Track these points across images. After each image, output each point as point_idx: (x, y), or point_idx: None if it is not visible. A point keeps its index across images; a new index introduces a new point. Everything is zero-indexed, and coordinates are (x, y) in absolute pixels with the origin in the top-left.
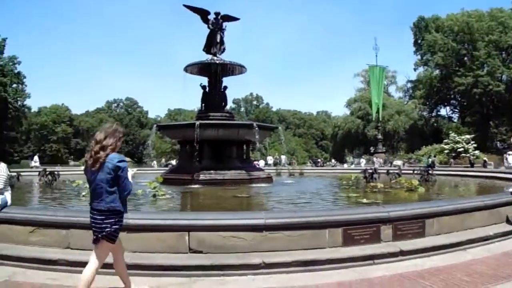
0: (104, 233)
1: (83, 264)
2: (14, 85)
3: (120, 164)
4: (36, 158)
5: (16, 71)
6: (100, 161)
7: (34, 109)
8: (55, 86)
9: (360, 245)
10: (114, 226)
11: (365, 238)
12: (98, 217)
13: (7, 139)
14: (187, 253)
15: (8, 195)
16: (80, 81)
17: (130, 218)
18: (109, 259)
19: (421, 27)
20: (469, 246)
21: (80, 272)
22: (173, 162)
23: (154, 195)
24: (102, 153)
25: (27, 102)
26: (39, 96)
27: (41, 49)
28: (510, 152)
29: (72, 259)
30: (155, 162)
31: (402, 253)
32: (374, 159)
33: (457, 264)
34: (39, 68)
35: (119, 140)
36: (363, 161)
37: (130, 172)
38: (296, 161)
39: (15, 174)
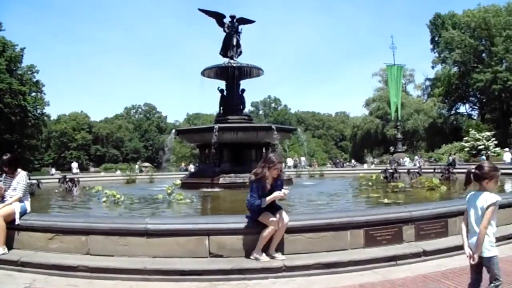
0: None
1: (103, 270)
2: (33, 94)
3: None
4: (75, 164)
5: (34, 80)
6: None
7: (54, 117)
8: (74, 94)
9: (382, 246)
10: (252, 204)
11: (387, 238)
12: None
13: (27, 147)
14: (207, 257)
15: (27, 203)
16: (99, 88)
17: (149, 223)
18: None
19: (437, 24)
20: None
21: (100, 278)
22: (191, 166)
23: (174, 199)
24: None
25: (47, 110)
26: (58, 104)
27: (59, 57)
28: (506, 149)
29: (92, 265)
30: (191, 165)
31: (425, 253)
32: (416, 157)
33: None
34: (58, 76)
35: (268, 169)
36: (406, 159)
37: (277, 193)
38: (316, 162)
39: (35, 181)
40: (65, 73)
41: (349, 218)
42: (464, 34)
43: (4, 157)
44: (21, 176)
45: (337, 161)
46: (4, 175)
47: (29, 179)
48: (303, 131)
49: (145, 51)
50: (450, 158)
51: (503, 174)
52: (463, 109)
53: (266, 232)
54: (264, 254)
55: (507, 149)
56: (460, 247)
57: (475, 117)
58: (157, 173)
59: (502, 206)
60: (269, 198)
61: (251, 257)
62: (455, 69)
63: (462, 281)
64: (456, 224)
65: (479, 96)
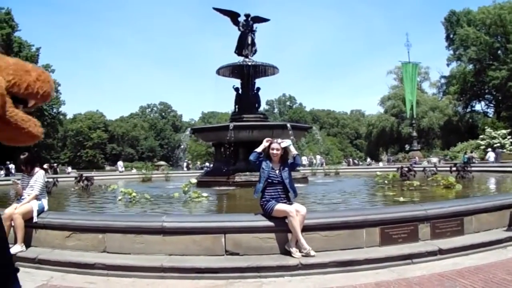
0: None
1: (120, 267)
2: None
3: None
4: (120, 163)
5: None
6: None
7: (70, 116)
8: (89, 93)
9: (398, 244)
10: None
11: (403, 237)
12: None
13: (43, 146)
14: (223, 255)
15: (45, 201)
16: (114, 88)
17: (165, 221)
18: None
19: (452, 22)
20: (509, 243)
21: (117, 275)
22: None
23: (190, 198)
24: None
25: (62, 109)
26: (74, 103)
27: (75, 57)
28: (489, 149)
29: (109, 262)
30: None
31: (441, 251)
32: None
33: (497, 262)
34: (74, 75)
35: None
36: (472, 154)
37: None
38: (326, 160)
39: (51, 180)
40: (80, 72)
41: (364, 216)
42: (480, 31)
43: (22, 156)
44: (39, 174)
45: (350, 159)
46: (22, 173)
47: (46, 178)
48: (318, 129)
49: (160, 50)
50: (466, 156)
51: (488, 171)
52: (478, 106)
53: (290, 221)
54: (294, 248)
55: (490, 149)
56: (476, 246)
57: (490, 115)
58: (172, 172)
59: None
60: (260, 147)
61: (286, 246)
62: (471, 66)
63: (478, 279)
64: (472, 222)
65: (494, 93)
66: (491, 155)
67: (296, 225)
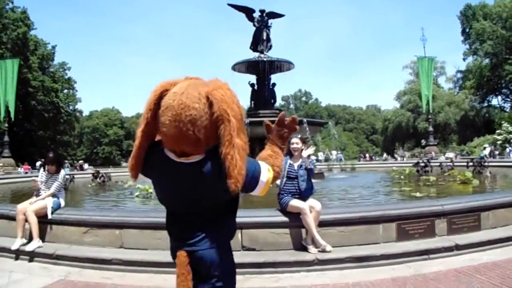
0: None
1: (137, 263)
2: (65, 91)
3: None
4: None
5: (66, 77)
6: None
7: (86, 113)
8: (105, 90)
9: (415, 240)
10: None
11: (420, 232)
12: None
13: (60, 143)
14: (240, 250)
15: (62, 200)
16: (130, 84)
17: None
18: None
19: (468, 16)
20: None
21: (134, 271)
22: None
23: None
24: None
25: (79, 106)
26: (90, 100)
27: (91, 54)
28: (486, 145)
29: (126, 258)
30: None
31: (458, 247)
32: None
33: None
34: (89, 73)
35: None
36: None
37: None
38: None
39: (68, 176)
40: (96, 69)
41: (381, 212)
42: (496, 25)
43: (50, 155)
44: (60, 174)
45: (362, 155)
46: (42, 170)
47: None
48: (334, 124)
49: (175, 47)
50: (484, 151)
51: (505, 167)
52: (495, 101)
53: (303, 219)
54: (311, 243)
55: (486, 145)
56: (493, 242)
57: (507, 110)
58: None
59: None
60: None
61: (302, 242)
62: (487, 60)
63: (494, 275)
64: (489, 218)
65: (511, 88)
66: (487, 151)
67: (310, 222)
